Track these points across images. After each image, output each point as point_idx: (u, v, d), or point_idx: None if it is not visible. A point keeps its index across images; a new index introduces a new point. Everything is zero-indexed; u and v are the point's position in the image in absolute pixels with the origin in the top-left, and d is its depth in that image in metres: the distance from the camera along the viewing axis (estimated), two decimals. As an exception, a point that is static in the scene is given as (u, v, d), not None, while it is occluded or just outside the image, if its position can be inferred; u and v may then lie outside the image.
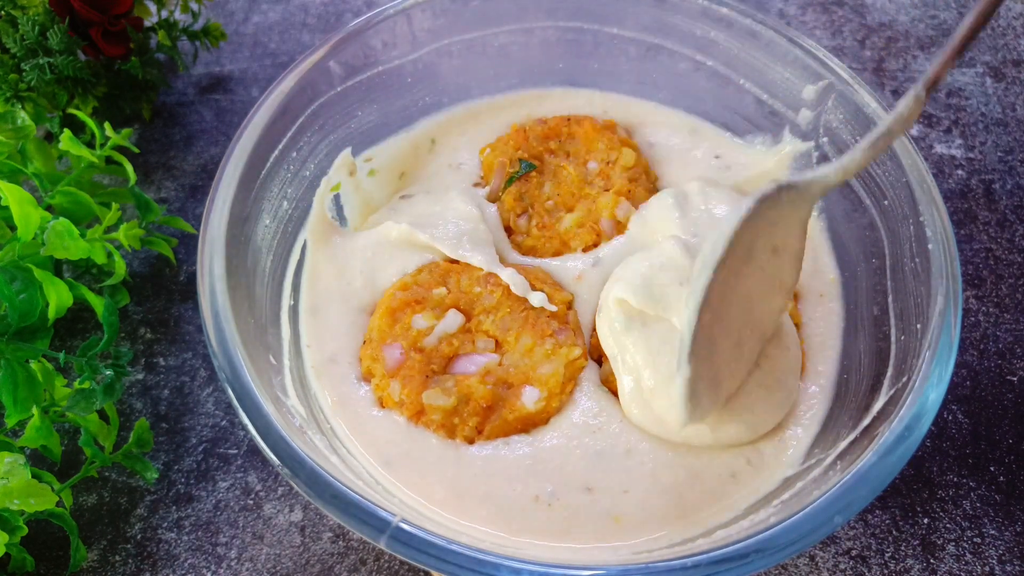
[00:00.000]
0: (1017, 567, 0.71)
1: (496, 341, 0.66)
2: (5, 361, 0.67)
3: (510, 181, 0.74)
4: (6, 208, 0.72)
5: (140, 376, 0.83)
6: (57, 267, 0.82)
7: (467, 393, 0.62)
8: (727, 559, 0.47)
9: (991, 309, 0.86)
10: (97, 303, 0.75)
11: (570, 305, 0.68)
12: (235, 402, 0.53)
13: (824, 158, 0.71)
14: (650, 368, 0.60)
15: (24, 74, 0.87)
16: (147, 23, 1.00)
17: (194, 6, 1.03)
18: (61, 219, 0.74)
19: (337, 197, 0.74)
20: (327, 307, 0.68)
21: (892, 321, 0.62)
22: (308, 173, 0.71)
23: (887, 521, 0.73)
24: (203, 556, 0.72)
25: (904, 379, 0.56)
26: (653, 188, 0.76)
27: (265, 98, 0.66)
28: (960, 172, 0.96)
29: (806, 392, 0.65)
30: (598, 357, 0.66)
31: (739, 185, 0.75)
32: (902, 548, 0.72)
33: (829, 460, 0.57)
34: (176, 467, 0.77)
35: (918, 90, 0.53)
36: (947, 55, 0.52)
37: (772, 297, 0.61)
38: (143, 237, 0.85)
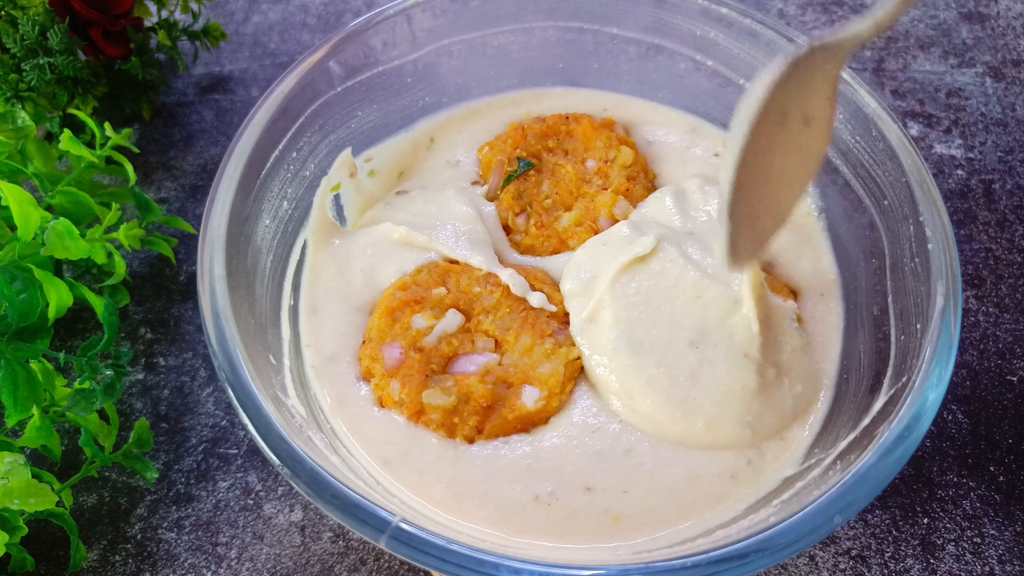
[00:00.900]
0: (1017, 567, 0.71)
1: (496, 341, 0.66)
2: (5, 361, 0.67)
3: (508, 180, 0.75)
4: (6, 208, 0.72)
5: (140, 376, 0.83)
6: (57, 267, 0.82)
7: (467, 393, 0.62)
8: (727, 559, 0.47)
9: (991, 309, 0.86)
10: (97, 303, 0.75)
11: (570, 305, 0.68)
12: (235, 402, 0.53)
13: (824, 158, 0.71)
14: (615, 373, 0.62)
15: (24, 74, 0.88)
16: (147, 23, 1.01)
17: (194, 6, 1.03)
18: (61, 219, 0.74)
19: (337, 197, 0.74)
20: (327, 306, 0.68)
21: (892, 321, 0.62)
22: (308, 173, 0.71)
23: (887, 521, 0.73)
24: (203, 556, 0.72)
25: (904, 379, 0.56)
26: (651, 186, 0.76)
27: (265, 98, 0.66)
28: (960, 172, 0.96)
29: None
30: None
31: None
32: (902, 548, 0.72)
33: (829, 460, 0.57)
34: (176, 467, 0.77)
35: None
36: None
37: (801, 171, 0.59)
38: (143, 237, 0.85)
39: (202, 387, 0.82)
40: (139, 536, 0.74)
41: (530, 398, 0.62)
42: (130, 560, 0.72)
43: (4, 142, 0.81)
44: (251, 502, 0.75)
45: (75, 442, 0.78)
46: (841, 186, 0.69)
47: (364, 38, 0.72)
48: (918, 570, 0.71)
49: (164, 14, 1.02)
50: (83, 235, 0.77)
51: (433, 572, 0.58)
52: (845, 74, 0.67)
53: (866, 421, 0.57)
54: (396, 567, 0.71)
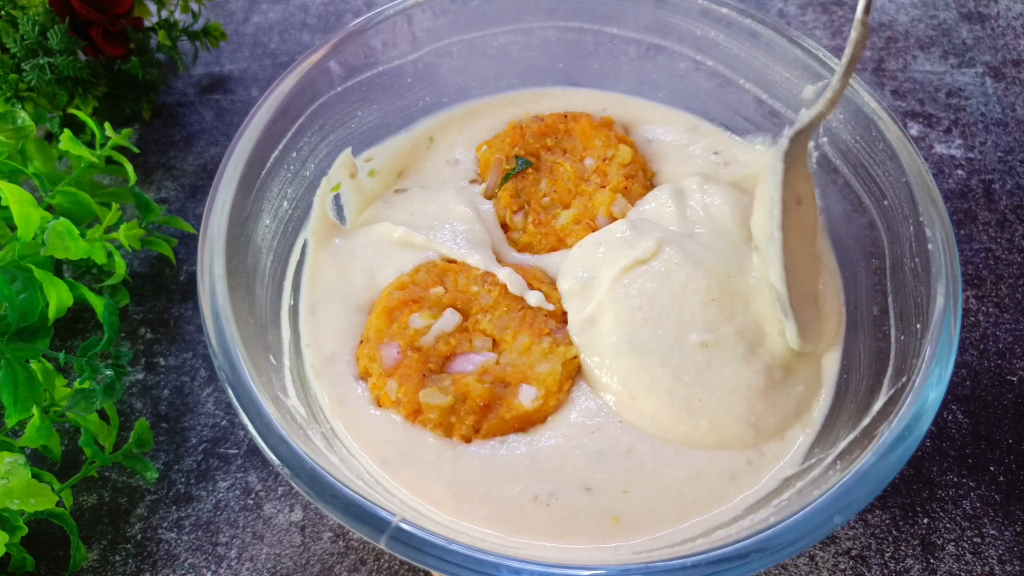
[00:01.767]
0: (1017, 567, 0.71)
1: (493, 340, 0.66)
2: (5, 361, 0.67)
3: (506, 178, 0.75)
4: (6, 208, 0.72)
5: (140, 376, 0.83)
6: (57, 267, 0.82)
7: (464, 392, 0.62)
8: (727, 559, 0.47)
9: (991, 309, 0.86)
10: (97, 303, 0.75)
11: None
12: (235, 402, 0.53)
13: (824, 158, 0.71)
14: (617, 375, 0.62)
15: (24, 74, 0.88)
16: (147, 23, 1.01)
17: (194, 6, 1.03)
18: (61, 219, 0.74)
19: (337, 197, 0.74)
20: (327, 306, 0.68)
21: (892, 321, 0.62)
22: (308, 173, 0.71)
23: (887, 521, 0.73)
24: (203, 556, 0.72)
25: (904, 379, 0.56)
26: (650, 185, 0.76)
27: (265, 98, 0.66)
28: (960, 172, 0.96)
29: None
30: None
31: (738, 181, 0.74)
32: (902, 548, 0.72)
33: (829, 460, 0.57)
34: (176, 467, 0.77)
35: (859, 15, 0.58)
36: None
37: (810, 244, 0.68)
38: (143, 237, 0.85)
39: (202, 387, 0.82)
40: (139, 536, 0.74)
41: (527, 397, 0.62)
42: (130, 560, 0.72)
43: (4, 142, 0.81)
44: (251, 502, 0.75)
45: (75, 442, 0.78)
46: (841, 186, 0.69)
47: (364, 38, 0.72)
48: (918, 570, 0.71)
49: (164, 14, 1.02)
50: (83, 235, 0.77)
51: (433, 572, 0.58)
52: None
53: (866, 421, 0.57)
54: (396, 567, 0.71)
